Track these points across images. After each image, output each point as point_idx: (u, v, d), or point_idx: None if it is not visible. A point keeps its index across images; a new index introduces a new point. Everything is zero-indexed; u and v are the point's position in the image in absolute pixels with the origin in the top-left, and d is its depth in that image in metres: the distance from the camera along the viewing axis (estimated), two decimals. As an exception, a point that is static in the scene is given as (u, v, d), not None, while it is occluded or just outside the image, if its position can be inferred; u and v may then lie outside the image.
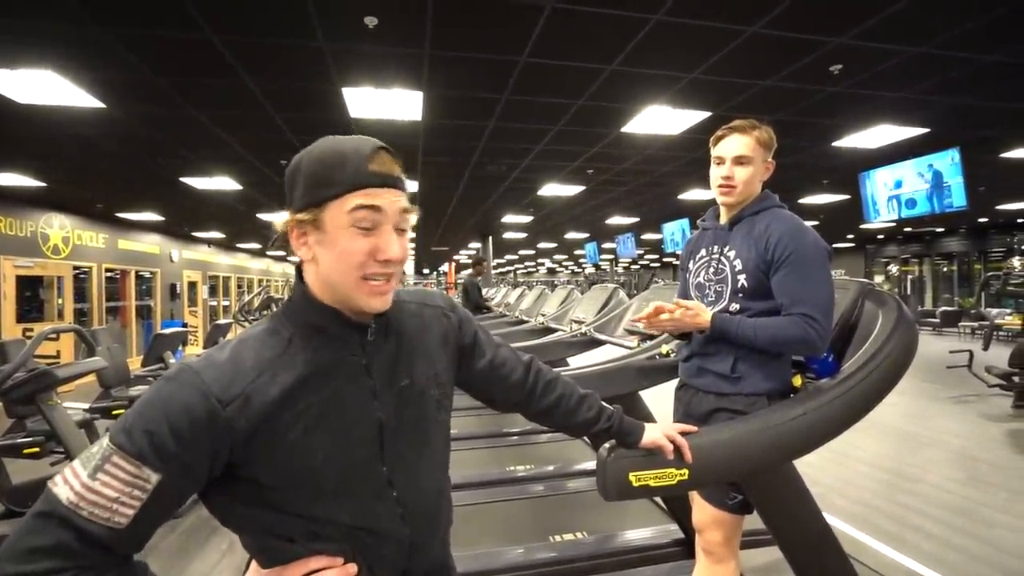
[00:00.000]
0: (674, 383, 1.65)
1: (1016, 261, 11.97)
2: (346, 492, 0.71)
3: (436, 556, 0.81)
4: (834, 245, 16.67)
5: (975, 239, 13.46)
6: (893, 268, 15.93)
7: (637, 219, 10.59)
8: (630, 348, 2.40)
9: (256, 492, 0.67)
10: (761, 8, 2.71)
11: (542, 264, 28.20)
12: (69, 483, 0.59)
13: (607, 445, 1.11)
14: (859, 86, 3.73)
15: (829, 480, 3.44)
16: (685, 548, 2.29)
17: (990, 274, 8.24)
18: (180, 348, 5.74)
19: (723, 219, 1.49)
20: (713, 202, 1.54)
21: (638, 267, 28.28)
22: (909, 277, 15.55)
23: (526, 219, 10.55)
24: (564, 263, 26.69)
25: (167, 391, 0.63)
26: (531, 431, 4.09)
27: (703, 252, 1.52)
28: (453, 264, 22.37)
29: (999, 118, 4.51)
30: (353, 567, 0.71)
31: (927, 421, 4.91)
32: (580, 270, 30.39)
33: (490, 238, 12.55)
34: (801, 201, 8.45)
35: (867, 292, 1.60)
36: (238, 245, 14.55)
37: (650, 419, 2.18)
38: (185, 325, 9.97)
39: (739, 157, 1.40)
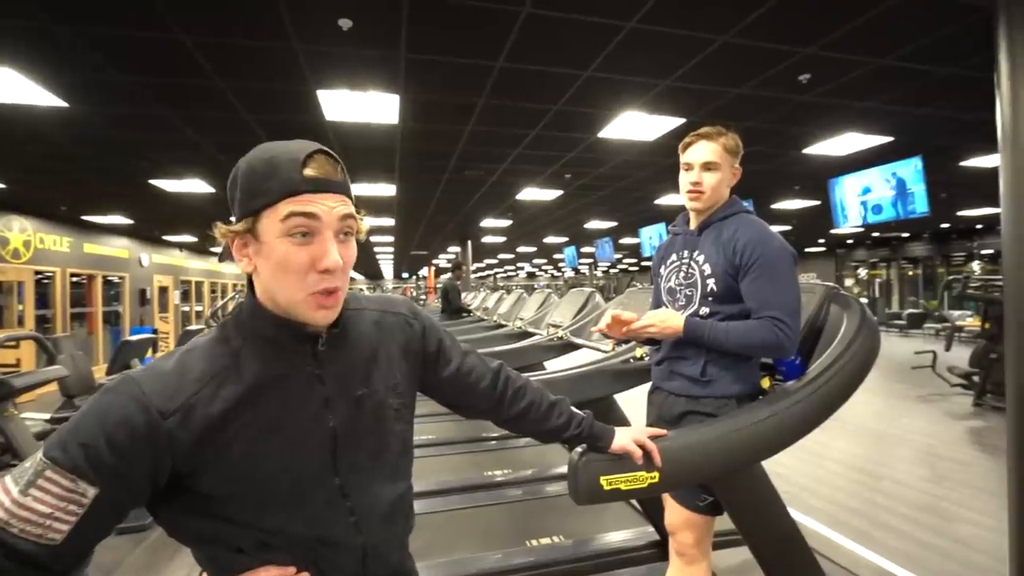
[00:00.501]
0: (648, 386, 1.67)
1: (976, 265, 12.46)
2: (297, 502, 0.69)
3: (394, 563, 0.80)
4: (805, 249, 17.11)
5: (938, 244, 13.98)
6: (862, 272, 16.43)
7: (615, 223, 10.70)
8: (606, 352, 2.42)
9: (203, 503, 0.65)
10: (732, 18, 2.78)
11: (521, 268, 28.26)
12: None
13: (579, 449, 1.12)
14: (827, 95, 3.85)
15: (802, 480, 3.51)
16: (661, 550, 2.31)
17: (951, 278, 8.55)
18: (149, 355, 5.58)
19: (692, 224, 1.52)
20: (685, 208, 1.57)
21: (617, 271, 28.57)
22: (877, 280, 16.04)
23: (505, 223, 10.57)
24: (543, 267, 26.81)
25: (105, 402, 0.61)
26: (508, 436, 4.08)
27: (674, 257, 1.55)
28: (433, 268, 22.25)
29: (957, 128, 4.70)
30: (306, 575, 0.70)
31: (894, 420, 5.06)
32: (559, 274, 30.55)
33: (469, 242, 12.53)
34: (773, 206, 8.65)
35: (832, 296, 1.65)
36: (211, 249, 14.20)
37: (625, 422, 2.20)
38: (155, 332, 9.67)
39: (707, 163, 1.43)
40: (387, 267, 23.97)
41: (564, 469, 3.38)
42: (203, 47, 2.96)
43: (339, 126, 4.33)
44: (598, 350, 2.66)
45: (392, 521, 0.79)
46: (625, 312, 1.45)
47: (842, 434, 4.48)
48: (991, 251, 12.57)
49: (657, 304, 1.64)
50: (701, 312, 1.44)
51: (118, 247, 10.02)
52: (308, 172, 0.66)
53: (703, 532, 1.48)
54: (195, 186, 6.30)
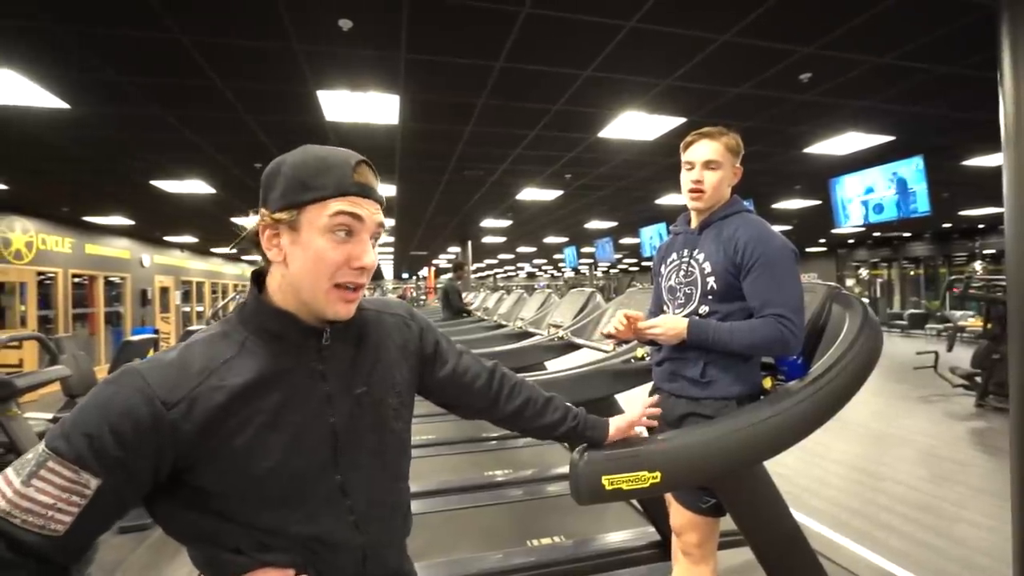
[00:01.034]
0: (649, 386, 1.66)
1: (978, 265, 12.44)
2: (296, 500, 0.69)
3: (392, 564, 0.80)
4: (806, 249, 17.09)
5: (940, 244, 13.95)
6: (863, 272, 16.40)
7: (615, 223, 10.70)
8: (607, 352, 2.41)
9: (202, 499, 0.65)
10: (732, 17, 2.77)
11: (522, 268, 28.26)
12: (1, 491, 0.56)
13: (579, 449, 1.12)
14: (827, 94, 3.84)
15: (804, 481, 3.50)
16: (662, 550, 2.31)
17: (953, 278, 8.54)
18: (151, 355, 5.58)
19: (693, 224, 1.52)
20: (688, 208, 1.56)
21: (617, 271, 28.56)
22: (878, 280, 16.02)
23: (505, 223, 10.57)
24: (543, 267, 26.80)
25: (108, 393, 0.61)
26: (508, 436, 4.08)
27: (674, 256, 1.55)
28: (432, 269, 22.25)
29: (959, 127, 4.69)
30: None
31: (896, 421, 5.05)
32: (559, 274, 30.55)
33: (469, 242, 12.53)
34: (774, 206, 8.64)
35: (834, 295, 1.65)
36: (212, 250, 14.23)
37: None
38: (156, 332, 9.69)
39: (709, 162, 1.43)
40: (387, 268, 23.99)
41: (565, 469, 3.38)
42: (202, 47, 2.96)
43: (339, 126, 4.33)
44: (599, 350, 2.66)
45: (391, 521, 0.79)
46: (634, 312, 1.45)
47: (843, 435, 4.47)
48: (993, 251, 12.54)
49: (657, 303, 1.64)
50: (700, 311, 1.43)
51: (119, 248, 10.03)
52: (357, 177, 0.70)
53: (707, 533, 1.47)
54: (195, 187, 6.31)
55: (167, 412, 0.61)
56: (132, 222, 8.98)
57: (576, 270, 25.19)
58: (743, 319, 1.38)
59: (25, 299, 7.58)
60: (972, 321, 9.70)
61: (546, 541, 2.52)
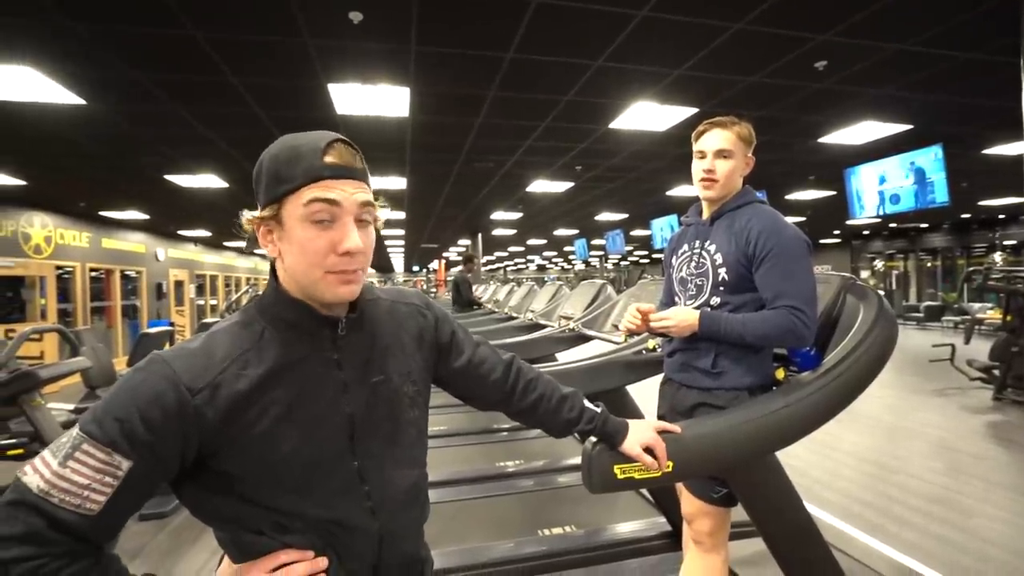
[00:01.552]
0: (661, 377, 1.66)
1: (997, 256, 12.20)
2: (314, 485, 0.71)
3: (409, 550, 0.81)
4: (820, 241, 16.86)
5: (958, 235, 13.68)
6: (878, 263, 16.15)
7: (626, 215, 10.64)
8: (617, 343, 2.41)
9: (226, 482, 0.67)
10: (747, 4, 2.73)
11: (532, 260, 28.22)
12: (39, 471, 0.59)
13: (592, 439, 1.12)
14: (844, 82, 3.78)
15: (816, 473, 3.49)
16: (673, 540, 2.32)
17: (971, 269, 8.37)
18: (167, 348, 5.67)
19: (705, 214, 1.51)
20: (699, 199, 1.56)
21: (627, 263, 28.41)
22: (894, 272, 15.77)
23: (515, 216, 10.55)
24: (554, 259, 26.74)
25: (137, 379, 0.64)
26: (520, 427, 4.10)
27: (685, 247, 1.54)
28: (443, 261, 22.31)
29: (979, 114, 4.58)
30: (323, 560, 0.71)
31: (910, 414, 4.99)
32: (570, 267, 30.46)
33: (480, 235, 12.54)
34: (788, 197, 8.53)
35: (849, 286, 1.63)
36: (225, 244, 14.39)
37: (637, 414, 2.20)
38: (172, 325, 9.83)
39: (720, 151, 1.42)
40: (398, 260, 24.09)
41: (576, 460, 3.41)
42: (215, 43, 2.98)
43: (350, 120, 4.35)
44: (610, 341, 2.66)
45: (408, 508, 0.80)
46: (644, 305, 1.44)
47: (856, 427, 4.43)
48: (1014, 242, 12.27)
49: (669, 295, 1.63)
50: (712, 302, 1.43)
51: (135, 242, 10.19)
52: (329, 159, 0.69)
53: (719, 522, 1.48)
54: (209, 181, 6.38)
55: (192, 398, 0.64)
56: (147, 217, 9.11)
57: (587, 262, 25.10)
58: (755, 310, 1.38)
59: (45, 293, 7.74)
60: (991, 313, 9.52)
61: (557, 531, 2.54)
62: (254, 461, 0.67)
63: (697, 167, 1.46)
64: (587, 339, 3.17)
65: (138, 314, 10.36)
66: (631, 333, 1.46)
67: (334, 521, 0.72)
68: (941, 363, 6.11)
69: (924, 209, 5.10)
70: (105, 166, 5.64)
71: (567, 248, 18.62)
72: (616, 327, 2.86)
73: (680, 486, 1.56)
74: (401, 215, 10.17)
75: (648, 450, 1.03)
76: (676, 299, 1.56)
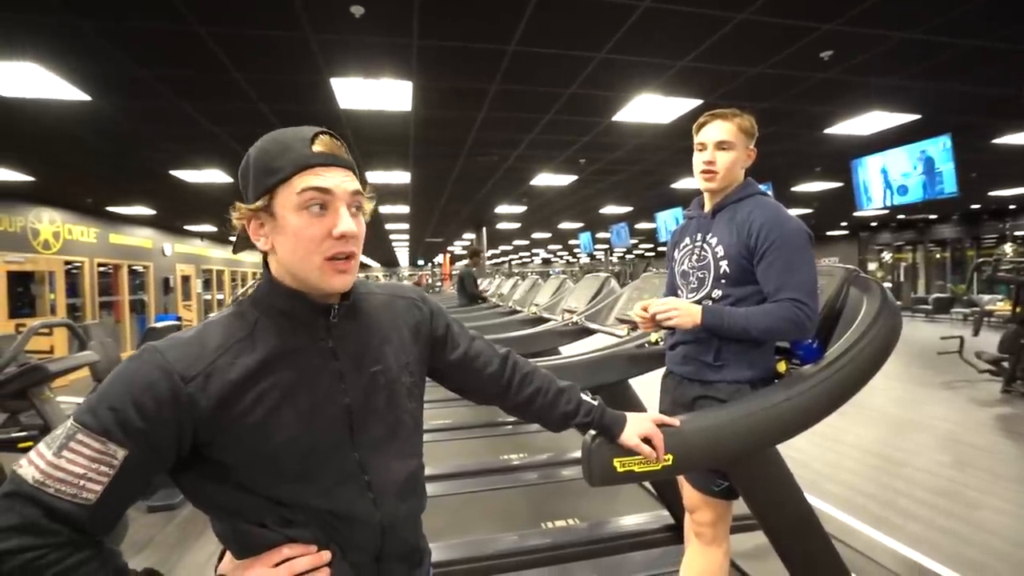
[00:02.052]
0: (663, 371, 1.66)
1: (1008, 247, 12.05)
2: (314, 474, 0.71)
3: (409, 540, 0.82)
4: (827, 233, 16.73)
5: (968, 225, 13.53)
6: (887, 255, 16.01)
7: (631, 208, 10.59)
8: (620, 336, 2.41)
9: (223, 472, 0.68)
10: (750, -6, 2.70)
11: (537, 254, 28.18)
12: (34, 463, 0.59)
13: (592, 432, 1.12)
14: (850, 72, 3.73)
15: (819, 465, 3.48)
16: (675, 533, 2.33)
17: (980, 260, 8.29)
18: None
19: (707, 207, 1.50)
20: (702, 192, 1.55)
21: (633, 256, 28.32)
22: (902, 264, 15.63)
23: (520, 209, 10.53)
24: (559, 253, 26.69)
25: (131, 369, 0.65)
26: (523, 421, 4.11)
27: (687, 241, 1.53)
28: (448, 255, 22.32)
29: (988, 104, 4.52)
30: (327, 554, 0.71)
31: (917, 406, 4.97)
32: (575, 260, 30.40)
33: (484, 229, 12.53)
34: (794, 189, 8.46)
35: (852, 278, 1.62)
36: (231, 239, 14.41)
37: (640, 406, 2.20)
38: (179, 319, 9.93)
39: (721, 143, 1.41)
40: (402, 254, 24.13)
41: (579, 453, 3.41)
42: (218, 38, 2.98)
43: (353, 114, 4.35)
44: (613, 335, 2.66)
45: (408, 498, 0.80)
46: (650, 301, 1.44)
47: (862, 420, 4.42)
48: (1024, 232, 12.14)
49: (672, 289, 1.63)
50: (713, 295, 1.42)
51: (142, 237, 10.26)
52: (316, 148, 0.71)
53: (720, 514, 1.48)
54: (214, 176, 6.40)
55: (184, 386, 0.64)
56: (154, 212, 9.17)
57: (592, 256, 25.04)
58: (757, 303, 1.37)
59: (54, 287, 7.82)
60: (1000, 305, 9.44)
61: (560, 523, 2.56)
62: (250, 450, 0.67)
63: (698, 159, 1.46)
64: (590, 332, 3.17)
65: (146, 309, 10.45)
66: (648, 325, 1.45)
67: (336, 512, 0.72)
68: (949, 355, 6.06)
69: (932, 200, 5.05)
70: (111, 162, 5.67)
71: (572, 242, 18.57)
72: (619, 320, 2.86)
73: (682, 479, 1.56)
74: (405, 209, 10.17)
75: (647, 441, 1.04)
76: (678, 292, 1.56)
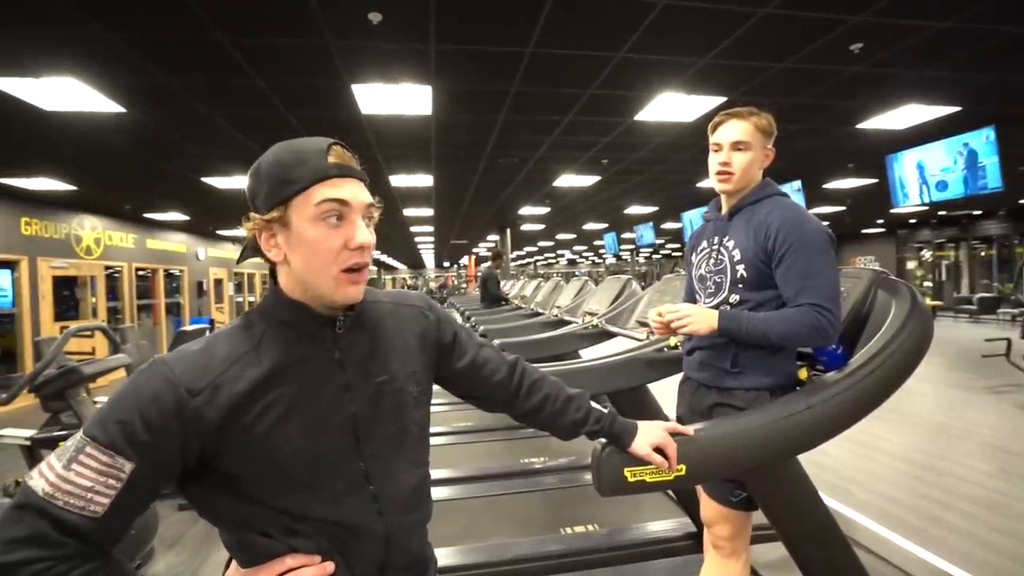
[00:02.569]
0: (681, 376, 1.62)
1: (1059, 244, 11.40)
2: (319, 485, 0.71)
3: (414, 551, 0.81)
4: (863, 231, 16.14)
5: (1016, 221, 12.83)
6: (926, 253, 15.34)
7: (656, 208, 10.43)
8: (640, 340, 2.37)
9: (231, 483, 0.68)
10: (774, -13, 2.62)
11: (562, 255, 28.06)
12: (44, 475, 0.60)
13: (602, 440, 1.10)
14: (882, 64, 3.58)
15: (853, 473, 3.35)
16: (697, 541, 2.26)
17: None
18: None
19: (724, 209, 1.46)
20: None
21: (660, 256, 27.90)
22: (944, 263, 14.95)
23: (543, 211, 10.50)
24: (584, 254, 26.50)
25: (138, 383, 0.65)
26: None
27: (704, 244, 1.49)
28: (473, 257, 22.43)
29: (1036, 93, 4.28)
30: (330, 565, 0.71)
31: (959, 412, 4.73)
32: (600, 261, 30.14)
33: (508, 230, 12.54)
34: (826, 186, 8.19)
35: (880, 281, 1.55)
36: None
37: (659, 412, 2.16)
38: (212, 322, 10.26)
39: (737, 143, 1.37)
40: (428, 256, 24.37)
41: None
42: (241, 47, 3.06)
43: (374, 119, 4.40)
44: (633, 338, 2.61)
45: (413, 508, 0.80)
46: (665, 307, 1.41)
47: (900, 426, 4.23)
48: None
49: (690, 293, 1.59)
50: (731, 300, 1.38)
51: (177, 242, 10.63)
52: (332, 159, 0.71)
53: (739, 527, 1.43)
54: (242, 182, 6.51)
55: (191, 399, 0.65)
56: (187, 218, 9.49)
57: (617, 256, 24.78)
58: (776, 308, 1.32)
59: (95, 291, 8.17)
60: (1052, 305, 8.93)
61: (580, 529, 2.53)
62: (257, 461, 0.68)
63: (713, 160, 1.41)
64: (611, 336, 3.13)
65: (181, 311, 10.82)
66: (662, 332, 1.42)
67: (341, 522, 0.72)
68: (995, 358, 5.74)
69: (974, 196, 4.81)
70: (146, 170, 5.89)
71: (597, 242, 18.42)
72: (640, 323, 2.81)
73: (699, 489, 1.52)
74: (430, 212, 10.26)
75: (659, 451, 1.01)
76: (696, 297, 1.52)
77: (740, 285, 1.36)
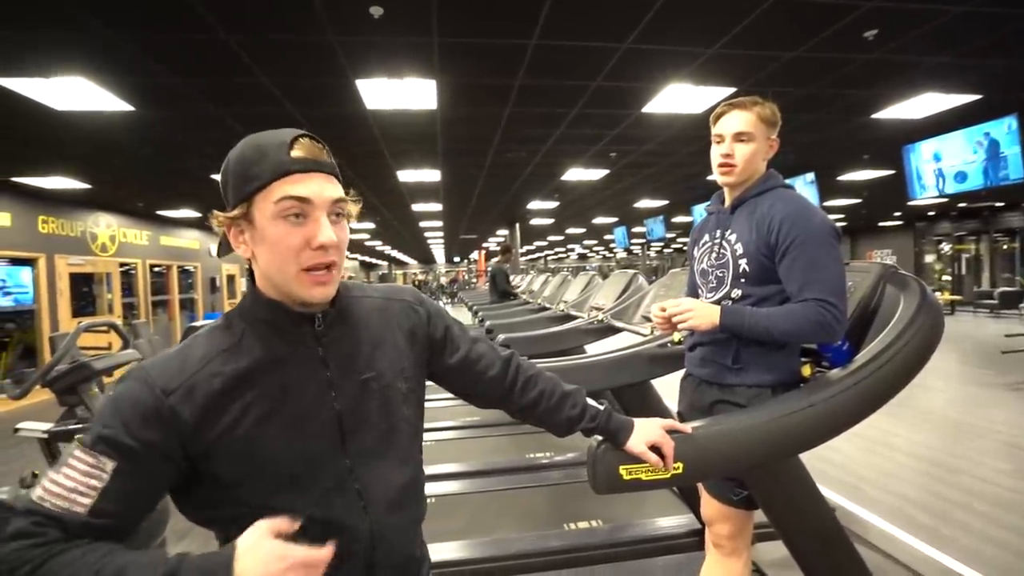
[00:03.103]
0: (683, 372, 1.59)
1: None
2: (306, 484, 0.71)
3: (404, 549, 0.80)
4: (879, 223, 15.83)
5: (1040, 213, 12.50)
6: (946, 247, 15.00)
7: (666, 201, 10.33)
8: (645, 335, 2.34)
9: (218, 485, 0.68)
10: (783, -27, 2.56)
11: (572, 250, 27.95)
12: (41, 484, 0.63)
13: (597, 437, 1.09)
14: (898, 52, 3.48)
15: (864, 470, 3.29)
16: (700, 538, 2.22)
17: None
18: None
19: (727, 202, 1.42)
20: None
21: (671, 250, 27.67)
22: (964, 256, 14.60)
23: (552, 205, 10.45)
24: (594, 248, 26.38)
25: (120, 390, 0.67)
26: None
27: (706, 238, 1.46)
28: (483, 252, 22.44)
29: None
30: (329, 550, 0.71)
31: (976, 409, 4.62)
32: (611, 255, 29.98)
33: (517, 224, 12.51)
34: (840, 178, 8.03)
35: (888, 276, 1.50)
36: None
37: (662, 408, 2.13)
38: (225, 317, 10.35)
39: (739, 134, 1.33)
40: (439, 251, 24.43)
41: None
42: (246, 46, 3.07)
43: (380, 114, 4.40)
44: (638, 334, 2.58)
45: (402, 507, 0.79)
46: (667, 303, 1.38)
47: (914, 422, 4.14)
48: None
49: (692, 288, 1.56)
50: (733, 295, 1.35)
51: (190, 239, 10.77)
52: (295, 153, 0.69)
53: (740, 526, 1.41)
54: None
55: (166, 399, 0.65)
56: (199, 215, 9.59)
57: (628, 250, 24.63)
58: (780, 303, 1.29)
59: (111, 288, 8.32)
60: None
61: (583, 525, 2.51)
62: (241, 460, 0.68)
63: (715, 152, 1.38)
64: (616, 331, 3.10)
65: (195, 307, 10.98)
66: (663, 328, 1.39)
67: (326, 521, 0.71)
68: (1016, 355, 5.63)
69: (994, 187, 4.67)
70: (156, 168, 5.96)
71: (607, 236, 18.31)
72: (645, 319, 2.78)
73: (700, 487, 1.50)
74: (438, 207, 10.26)
75: (655, 449, 0.99)
76: (698, 292, 1.49)
77: (742, 280, 1.33)
